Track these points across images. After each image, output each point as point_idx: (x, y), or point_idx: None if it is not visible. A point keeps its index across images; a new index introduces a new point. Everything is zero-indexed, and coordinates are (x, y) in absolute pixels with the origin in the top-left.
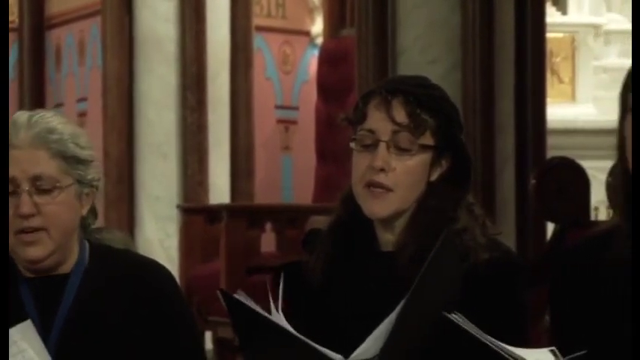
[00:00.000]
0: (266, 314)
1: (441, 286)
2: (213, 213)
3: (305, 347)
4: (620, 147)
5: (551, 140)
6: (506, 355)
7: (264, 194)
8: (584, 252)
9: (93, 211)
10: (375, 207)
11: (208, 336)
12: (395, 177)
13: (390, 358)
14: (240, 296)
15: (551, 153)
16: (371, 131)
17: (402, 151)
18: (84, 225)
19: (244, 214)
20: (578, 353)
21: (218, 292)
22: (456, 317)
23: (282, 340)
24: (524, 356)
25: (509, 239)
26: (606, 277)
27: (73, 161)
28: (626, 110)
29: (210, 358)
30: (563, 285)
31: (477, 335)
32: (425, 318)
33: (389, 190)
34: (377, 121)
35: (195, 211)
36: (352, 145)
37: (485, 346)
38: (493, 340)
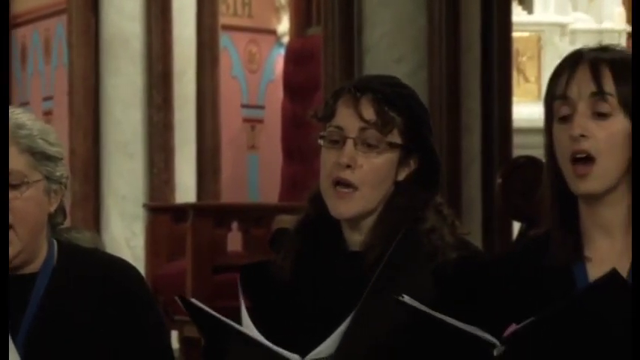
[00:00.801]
0: (221, 317)
1: (403, 286)
2: (180, 212)
3: (262, 348)
4: (550, 151)
5: (517, 139)
6: (463, 328)
7: (230, 193)
8: (520, 259)
9: (62, 211)
10: (341, 207)
11: (174, 335)
12: (361, 174)
13: (345, 357)
14: (196, 301)
15: (517, 152)
16: (339, 128)
17: (369, 148)
18: (53, 224)
19: (210, 213)
20: (517, 327)
21: (177, 298)
22: (408, 299)
23: (240, 342)
24: (476, 332)
25: (475, 238)
26: (541, 286)
27: (41, 157)
28: (553, 115)
29: (177, 357)
30: (499, 293)
31: (431, 313)
32: (385, 318)
33: (354, 188)
34: (345, 117)
35: (161, 210)
36: (320, 141)
37: (442, 323)
38: (446, 317)
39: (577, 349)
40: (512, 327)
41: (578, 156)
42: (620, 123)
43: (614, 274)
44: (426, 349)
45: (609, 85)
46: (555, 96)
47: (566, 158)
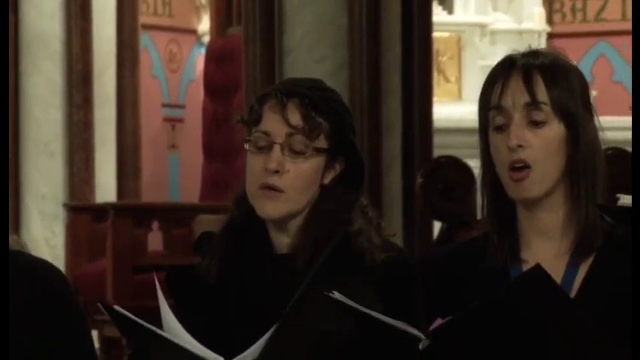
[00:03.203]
0: (144, 323)
1: (333, 290)
2: (100, 211)
3: (184, 352)
4: (486, 157)
5: (437, 139)
6: (390, 323)
7: (150, 193)
8: (455, 261)
9: None
10: (268, 208)
11: (94, 335)
12: (288, 179)
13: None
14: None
15: (437, 152)
16: (265, 133)
17: (296, 153)
18: None
19: (131, 212)
20: (442, 321)
21: (99, 304)
22: (338, 295)
23: (163, 347)
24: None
25: (396, 238)
26: (477, 288)
27: None
28: (487, 124)
29: (98, 357)
30: (432, 294)
31: (359, 308)
32: (313, 322)
33: (282, 191)
34: (272, 123)
35: (81, 210)
36: (246, 146)
37: (370, 318)
38: (373, 312)
39: (501, 343)
40: (438, 321)
41: (516, 165)
42: (555, 129)
43: (537, 269)
44: (354, 346)
45: (542, 94)
46: (490, 106)
47: (504, 167)
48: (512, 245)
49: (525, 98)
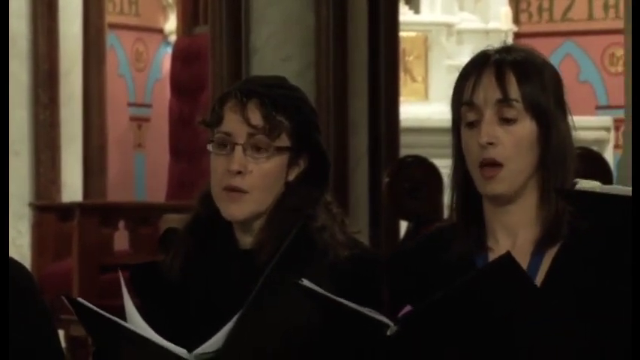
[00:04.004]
0: (109, 315)
1: (295, 279)
2: (66, 211)
3: (150, 344)
4: (458, 153)
5: (404, 139)
6: (358, 310)
7: (117, 192)
8: (420, 254)
9: None
10: (232, 210)
11: (61, 334)
12: (252, 179)
13: (232, 352)
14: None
15: (404, 151)
16: (227, 134)
17: (258, 153)
18: None
19: (97, 212)
20: (410, 308)
21: (63, 297)
22: (307, 282)
23: (128, 340)
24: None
25: (362, 237)
26: (443, 278)
27: None
28: (459, 120)
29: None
30: (400, 288)
31: (328, 295)
32: (275, 314)
33: (245, 192)
34: (233, 123)
35: (47, 209)
36: (209, 147)
37: (338, 305)
38: (341, 299)
39: (469, 330)
40: (407, 308)
41: (487, 163)
42: (526, 127)
43: (506, 257)
44: (324, 331)
45: (514, 91)
46: (462, 101)
47: (475, 163)
48: (478, 234)
49: (497, 95)
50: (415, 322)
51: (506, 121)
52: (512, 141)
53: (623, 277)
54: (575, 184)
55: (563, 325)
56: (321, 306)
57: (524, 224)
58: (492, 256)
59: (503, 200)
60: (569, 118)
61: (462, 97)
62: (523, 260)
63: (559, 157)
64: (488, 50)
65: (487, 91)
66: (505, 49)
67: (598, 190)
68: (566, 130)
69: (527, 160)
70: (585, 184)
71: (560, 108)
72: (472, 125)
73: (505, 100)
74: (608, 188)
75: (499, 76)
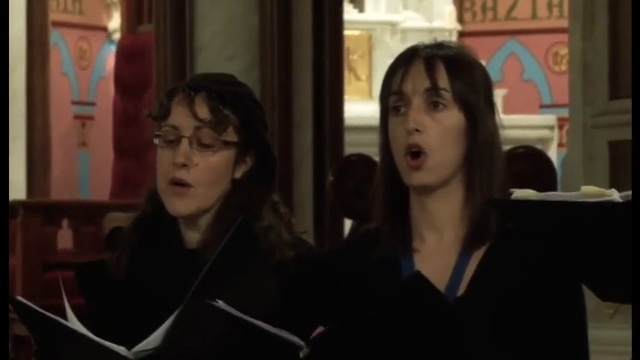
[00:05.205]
0: (50, 314)
1: (237, 283)
2: (9, 209)
3: (90, 343)
4: (385, 145)
5: (348, 137)
6: (271, 332)
7: (60, 190)
8: (348, 255)
9: None
10: (177, 205)
11: None
12: (197, 173)
13: (171, 349)
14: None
15: (348, 150)
16: (174, 127)
17: (204, 147)
18: None
19: (40, 210)
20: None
21: None
22: (221, 303)
23: (69, 339)
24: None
25: (307, 236)
26: (369, 279)
27: None
28: (388, 111)
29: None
30: (331, 289)
31: (241, 317)
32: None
33: (190, 186)
34: (180, 117)
35: None
36: (156, 141)
37: (254, 327)
38: (256, 321)
39: (383, 351)
40: (320, 329)
41: (413, 150)
42: (454, 117)
43: (417, 276)
44: (239, 351)
45: (443, 81)
46: (390, 92)
47: (401, 151)
48: (403, 235)
49: (426, 84)
50: (327, 343)
51: (434, 106)
52: (439, 130)
53: (555, 283)
54: (510, 194)
55: (491, 330)
56: (235, 327)
57: (450, 222)
58: (417, 257)
59: (429, 192)
60: (497, 118)
61: (390, 88)
62: (449, 259)
63: (486, 154)
64: (417, 45)
65: (416, 81)
66: (436, 45)
67: (534, 198)
68: (494, 128)
69: (453, 152)
70: (520, 194)
71: (489, 107)
72: (400, 113)
73: (434, 89)
74: (544, 196)
75: (429, 67)
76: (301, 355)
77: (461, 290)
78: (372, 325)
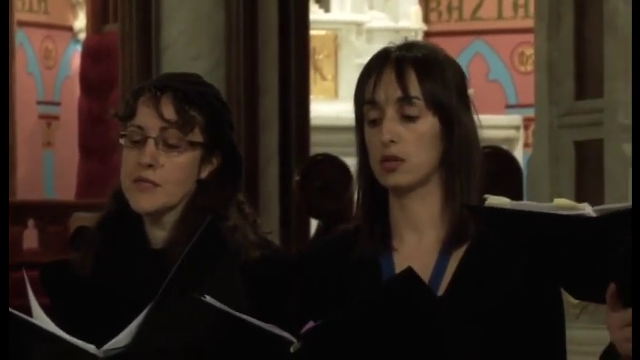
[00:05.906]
0: (17, 313)
1: (204, 283)
2: None
3: (59, 341)
4: (362, 147)
5: (314, 137)
6: (261, 326)
7: (25, 190)
8: (325, 256)
9: None
10: (142, 201)
11: None
12: (163, 173)
13: (141, 347)
14: None
15: (315, 149)
16: (140, 127)
17: (170, 147)
18: None
19: None
20: (314, 324)
21: None
22: (209, 299)
23: (37, 337)
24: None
25: (273, 236)
26: (348, 280)
27: None
28: (363, 117)
29: None
30: (307, 291)
31: (230, 312)
32: (183, 313)
33: (157, 185)
34: (145, 117)
35: None
36: (122, 141)
37: (241, 321)
38: (245, 315)
39: (373, 345)
40: (310, 324)
41: (388, 158)
42: (428, 124)
43: (408, 271)
44: (226, 347)
45: (414, 89)
46: (364, 100)
47: (377, 160)
48: (383, 234)
49: (398, 93)
50: (318, 338)
51: (407, 119)
52: (414, 138)
53: (534, 282)
54: (484, 200)
55: (471, 329)
56: (223, 322)
57: (429, 222)
58: (397, 256)
59: (406, 192)
60: (474, 114)
61: (363, 96)
62: (429, 260)
63: (463, 153)
64: (389, 47)
65: (388, 90)
66: (406, 46)
67: (508, 206)
68: (470, 125)
69: (429, 155)
70: (494, 201)
71: (464, 104)
72: (374, 123)
73: (406, 99)
74: (518, 204)
75: (399, 74)
76: (292, 349)
77: (441, 290)
78: (362, 320)
